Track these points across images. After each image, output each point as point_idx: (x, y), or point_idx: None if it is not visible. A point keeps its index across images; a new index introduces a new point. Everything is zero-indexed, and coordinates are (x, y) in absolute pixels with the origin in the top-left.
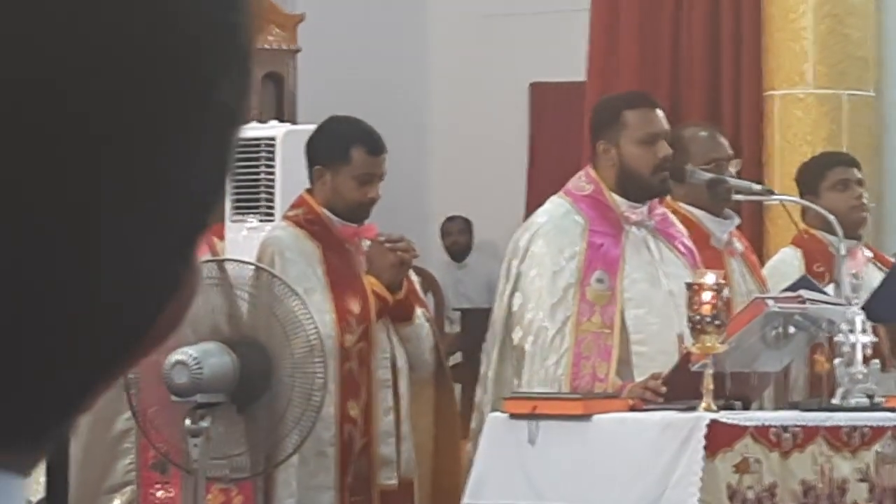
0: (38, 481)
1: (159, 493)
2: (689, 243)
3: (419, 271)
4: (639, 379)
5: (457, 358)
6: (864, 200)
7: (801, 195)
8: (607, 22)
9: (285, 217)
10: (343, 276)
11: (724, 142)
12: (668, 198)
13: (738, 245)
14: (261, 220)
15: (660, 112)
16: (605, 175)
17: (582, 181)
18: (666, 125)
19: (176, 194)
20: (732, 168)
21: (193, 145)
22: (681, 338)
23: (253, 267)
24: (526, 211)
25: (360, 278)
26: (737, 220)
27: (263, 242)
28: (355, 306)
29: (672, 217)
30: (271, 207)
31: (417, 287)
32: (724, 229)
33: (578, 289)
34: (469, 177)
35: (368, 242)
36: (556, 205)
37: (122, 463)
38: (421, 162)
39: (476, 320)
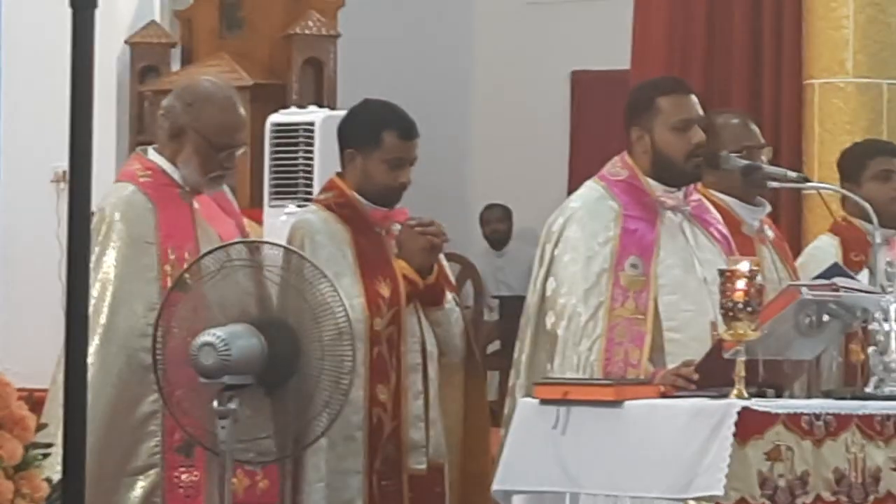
0: (58, 462)
1: (184, 476)
2: (725, 230)
3: (459, 259)
4: (671, 366)
5: (495, 346)
6: None
7: (842, 182)
8: (650, 10)
9: (316, 200)
10: (373, 259)
11: (756, 130)
12: (700, 185)
13: (770, 232)
14: (299, 206)
15: (693, 98)
16: (639, 161)
17: (617, 167)
18: (700, 111)
19: None
20: (764, 157)
21: None
22: (714, 325)
23: (283, 250)
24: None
25: (391, 262)
26: (768, 208)
27: (294, 226)
28: (385, 290)
29: (707, 203)
30: (309, 193)
31: (448, 271)
32: (755, 216)
33: (612, 274)
34: (510, 165)
35: (399, 226)
36: (590, 189)
37: (146, 445)
38: (462, 149)
39: (515, 308)
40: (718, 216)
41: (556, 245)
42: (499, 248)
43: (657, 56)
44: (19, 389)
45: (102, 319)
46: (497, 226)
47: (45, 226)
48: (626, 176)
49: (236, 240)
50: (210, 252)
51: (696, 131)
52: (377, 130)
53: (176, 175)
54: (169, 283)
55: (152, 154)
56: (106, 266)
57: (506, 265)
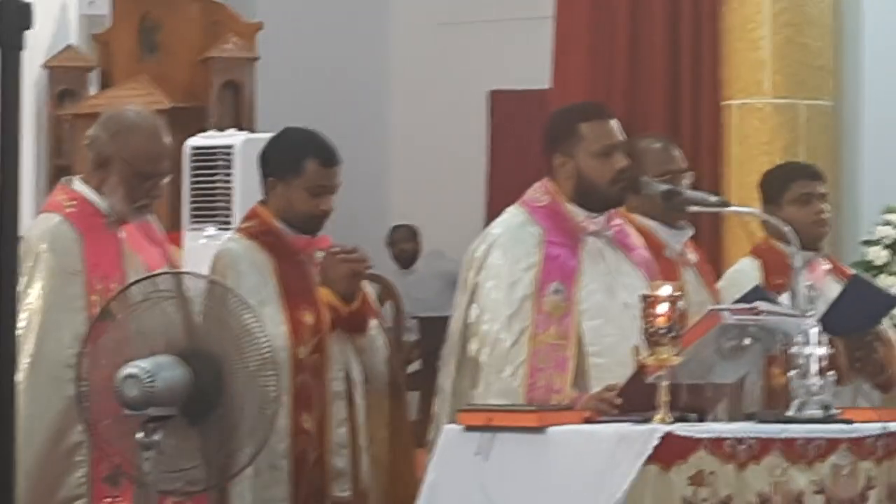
0: None
1: None
2: (647, 254)
3: (379, 279)
4: (595, 390)
5: (416, 366)
6: (826, 215)
7: (764, 205)
8: (570, 30)
9: (238, 229)
10: (296, 287)
11: (678, 154)
12: (623, 209)
13: (692, 256)
14: (218, 229)
15: (615, 123)
16: (562, 187)
17: (538, 192)
18: (621, 136)
19: None
20: (685, 181)
21: None
22: (637, 349)
23: (206, 280)
24: (486, 218)
25: (314, 290)
26: (690, 231)
27: (216, 255)
28: (309, 318)
29: (629, 228)
30: (229, 216)
31: (372, 298)
32: (677, 240)
33: (535, 300)
34: (429, 185)
35: (322, 253)
36: (512, 215)
37: (74, 476)
38: (380, 170)
39: (433, 328)
40: (641, 241)
41: (478, 272)
42: (406, 267)
43: (579, 77)
44: None
45: (30, 349)
46: (404, 245)
47: None
48: (548, 202)
49: (162, 270)
50: (136, 282)
51: (619, 156)
52: (299, 158)
53: (102, 205)
54: (96, 313)
55: (77, 184)
56: (33, 296)
57: (414, 283)
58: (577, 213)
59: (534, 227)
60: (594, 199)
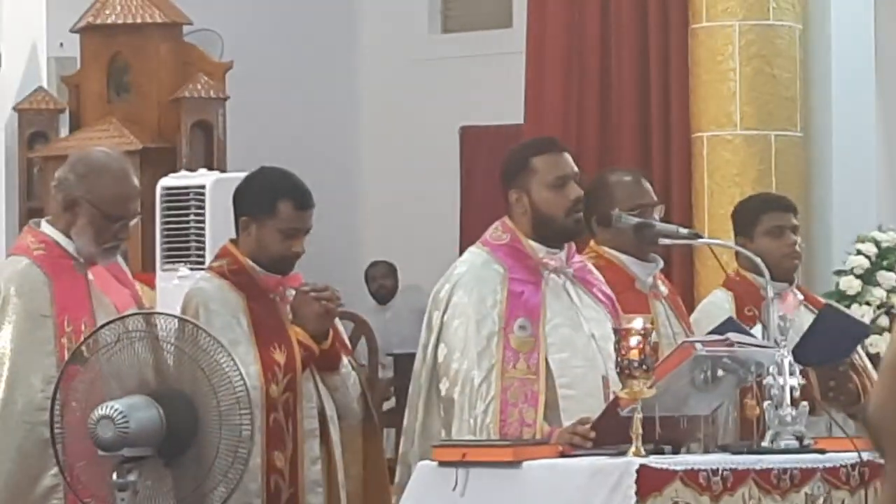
0: None
1: None
2: (608, 290)
3: (352, 317)
4: (567, 422)
5: (390, 403)
6: (798, 247)
7: (736, 236)
8: (542, 65)
9: (210, 268)
10: (268, 326)
11: (649, 187)
12: (593, 242)
13: (663, 288)
14: (191, 269)
15: (567, 155)
16: (519, 223)
17: (498, 231)
18: (574, 167)
19: None
20: (656, 214)
21: None
22: (606, 380)
23: (178, 319)
24: (461, 252)
25: (286, 328)
26: (661, 264)
27: (188, 294)
28: (281, 357)
29: (590, 265)
30: (202, 255)
31: (344, 335)
32: (648, 273)
33: (502, 336)
34: (400, 221)
35: (293, 291)
36: (474, 255)
37: None
38: (352, 208)
39: (408, 365)
40: (601, 277)
41: (444, 312)
42: (384, 303)
43: (552, 112)
44: None
45: (1, 394)
46: (382, 282)
47: None
48: (508, 240)
49: (132, 311)
50: (107, 324)
51: (572, 187)
52: (272, 199)
53: (70, 247)
54: (66, 356)
55: (45, 226)
56: (2, 341)
57: (392, 318)
58: (538, 250)
59: (497, 266)
60: (551, 231)
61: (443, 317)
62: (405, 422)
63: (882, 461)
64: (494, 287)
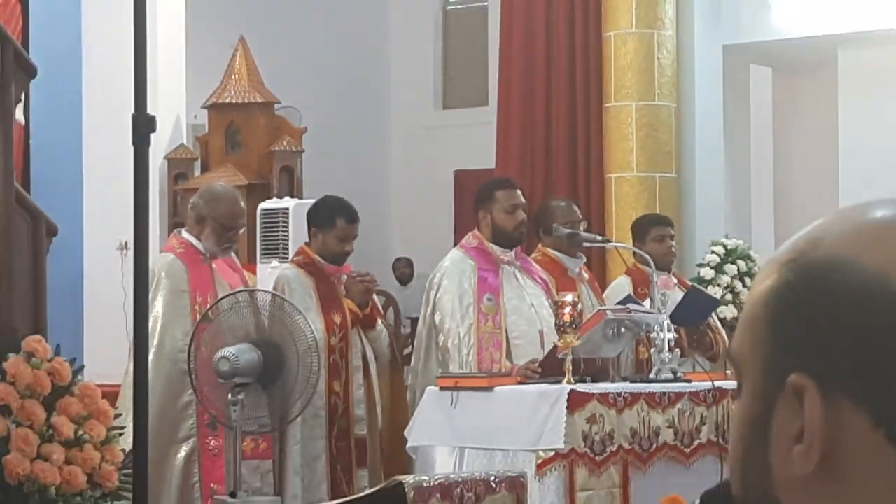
0: (129, 437)
1: (212, 443)
2: (544, 275)
3: (384, 293)
4: (518, 362)
5: (409, 349)
6: (674, 249)
7: (634, 241)
8: (507, 125)
9: (291, 261)
10: (329, 299)
11: (577, 209)
12: (540, 246)
13: (586, 275)
14: (279, 262)
15: (519, 191)
16: (484, 233)
17: (470, 238)
18: (523, 199)
19: None
20: (581, 227)
21: None
22: (541, 333)
23: (271, 294)
24: None
25: (341, 300)
26: (584, 259)
27: (277, 278)
28: (337, 319)
29: (531, 260)
30: (286, 253)
31: (378, 306)
32: (576, 265)
33: (476, 305)
34: (415, 231)
35: (345, 276)
36: (454, 254)
37: (186, 423)
38: (384, 221)
39: None
40: (538, 268)
41: (437, 291)
42: (405, 284)
43: (514, 160)
44: (99, 385)
45: (155, 342)
46: (403, 270)
47: (113, 279)
48: (477, 244)
49: (241, 288)
50: (224, 297)
51: (520, 213)
52: (332, 216)
53: (200, 247)
54: (198, 318)
55: (184, 234)
56: (157, 307)
57: (410, 295)
58: (496, 250)
59: (470, 261)
60: (505, 240)
61: (435, 295)
62: (412, 363)
63: (737, 385)
64: (469, 274)
